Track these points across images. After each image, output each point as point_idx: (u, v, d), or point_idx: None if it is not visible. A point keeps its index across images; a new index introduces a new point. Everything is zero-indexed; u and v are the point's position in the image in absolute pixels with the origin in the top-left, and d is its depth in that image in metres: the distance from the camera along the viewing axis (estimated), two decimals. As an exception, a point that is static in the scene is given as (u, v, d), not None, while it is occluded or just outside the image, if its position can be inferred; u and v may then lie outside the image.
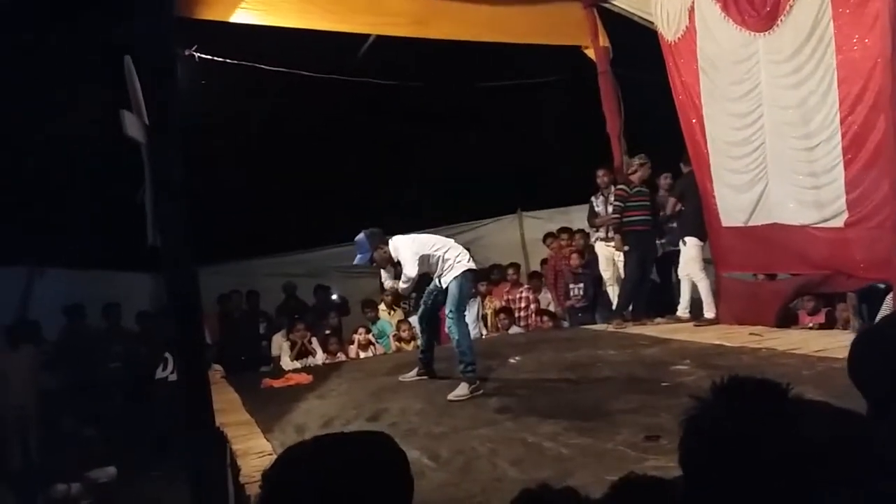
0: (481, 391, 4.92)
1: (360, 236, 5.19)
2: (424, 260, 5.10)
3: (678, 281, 7.11)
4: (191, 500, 2.75)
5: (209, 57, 6.81)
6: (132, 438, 6.15)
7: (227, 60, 7.03)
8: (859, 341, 1.37)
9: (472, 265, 5.24)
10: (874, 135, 4.85)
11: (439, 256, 5.11)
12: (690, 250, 6.72)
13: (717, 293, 6.74)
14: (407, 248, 5.08)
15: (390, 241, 5.16)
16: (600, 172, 7.54)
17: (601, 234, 7.52)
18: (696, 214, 6.73)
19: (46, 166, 7.73)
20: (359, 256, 5.22)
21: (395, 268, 5.18)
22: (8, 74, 6.73)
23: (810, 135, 5.45)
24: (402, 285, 5.16)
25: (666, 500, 1.42)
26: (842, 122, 5.12)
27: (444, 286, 5.13)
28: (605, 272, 7.58)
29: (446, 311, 5.08)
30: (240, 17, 6.78)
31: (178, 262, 2.19)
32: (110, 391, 6.75)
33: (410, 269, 5.05)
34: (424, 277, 5.40)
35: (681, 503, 1.16)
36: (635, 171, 7.22)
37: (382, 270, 5.36)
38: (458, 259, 5.13)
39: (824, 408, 1.09)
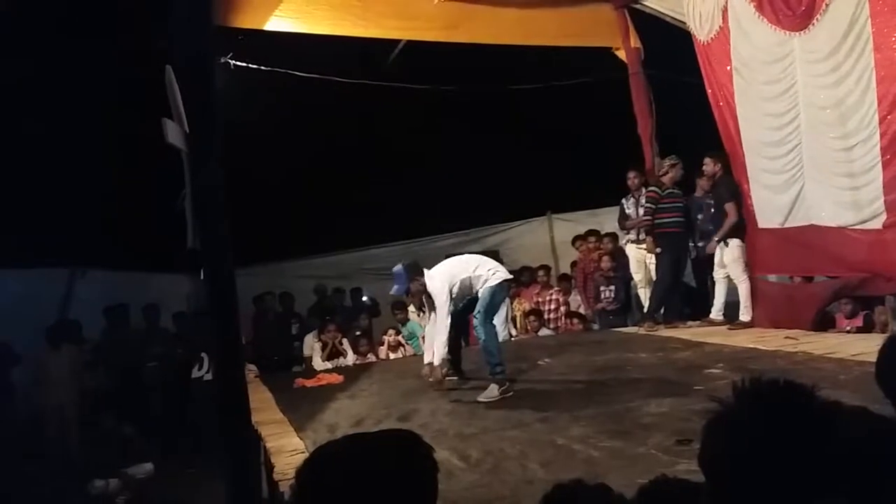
0: (511, 392, 4.92)
1: (398, 268, 5.24)
2: (460, 285, 5.12)
3: (713, 283, 7.01)
4: (226, 496, 2.82)
5: (244, 64, 6.95)
6: (169, 436, 6.30)
7: (262, 67, 7.16)
8: (887, 349, 1.36)
9: (505, 275, 5.29)
10: (913, 135, 4.75)
11: (470, 276, 5.14)
12: (734, 251, 6.62)
13: (752, 296, 6.63)
14: (442, 288, 5.07)
15: (425, 273, 5.17)
16: (631, 174, 7.49)
17: (632, 236, 7.47)
18: (739, 215, 6.65)
19: (87, 170, 7.96)
20: (396, 287, 5.29)
21: (429, 298, 5.20)
22: (49, 81, 6.97)
23: (848, 135, 5.34)
24: (439, 339, 5.12)
25: (695, 502, 1.42)
26: (880, 122, 5.02)
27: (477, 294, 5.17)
28: (636, 274, 7.52)
29: (475, 313, 5.11)
30: (274, 24, 6.91)
31: (217, 266, 2.26)
32: (148, 390, 6.92)
33: (443, 310, 5.03)
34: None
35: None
36: (667, 173, 7.16)
37: (412, 315, 5.35)
38: (492, 271, 5.17)
39: (851, 411, 1.09)
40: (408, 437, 1.29)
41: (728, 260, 6.64)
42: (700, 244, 7.18)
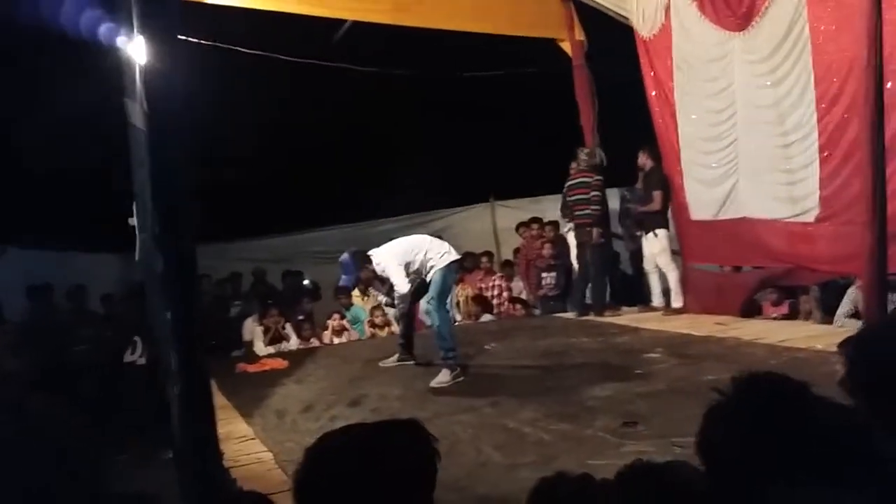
0: (463, 378, 4.98)
1: (345, 257, 5.22)
2: (409, 267, 5.13)
3: (645, 273, 7.28)
4: (182, 484, 2.76)
5: (184, 38, 6.64)
6: (102, 421, 6.02)
7: (203, 42, 6.87)
8: (861, 345, 1.46)
9: (455, 256, 5.29)
10: (849, 133, 5.01)
11: (421, 259, 5.13)
12: (662, 241, 6.90)
13: (683, 284, 6.94)
14: (391, 262, 5.07)
15: (372, 255, 5.15)
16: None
17: (573, 224, 7.63)
18: (664, 205, 6.94)
19: (14, 146, 7.49)
20: (344, 277, 5.26)
21: (382, 283, 5.20)
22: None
23: (786, 133, 5.62)
24: (399, 305, 5.19)
25: (673, 485, 1.49)
26: (818, 122, 5.28)
27: (428, 279, 5.17)
28: (577, 262, 7.70)
29: (427, 299, 5.12)
30: (219, -3, 6.65)
31: (180, 249, 2.18)
32: (78, 374, 6.60)
33: (402, 285, 5.05)
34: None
35: (699, 490, 1.25)
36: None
37: (373, 289, 5.35)
38: (441, 254, 5.16)
39: (833, 404, 1.18)
40: (411, 425, 1.30)
41: (655, 250, 6.91)
42: (637, 233, 7.43)
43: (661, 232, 6.90)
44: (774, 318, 6.15)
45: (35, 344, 6.73)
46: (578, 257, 7.43)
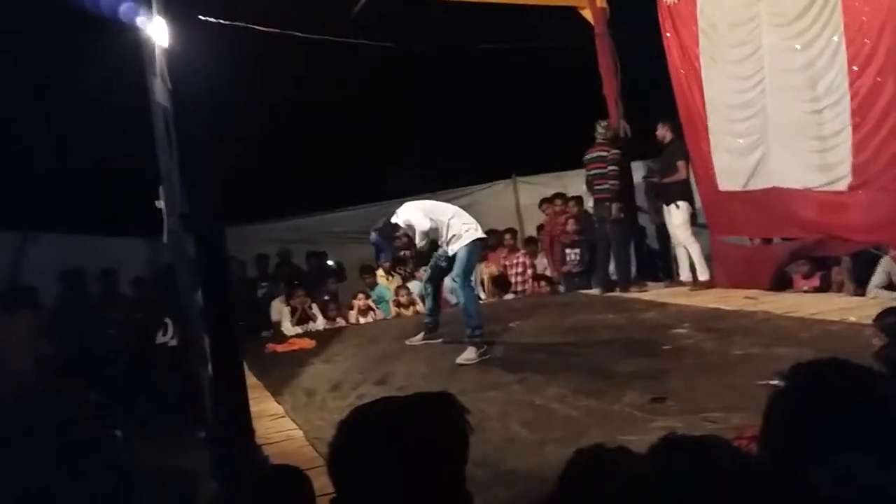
0: (489, 355, 4.98)
1: (374, 237, 5.23)
2: (434, 225, 5.10)
3: (672, 247, 7.18)
4: (215, 462, 2.81)
5: (202, 18, 6.64)
6: (136, 402, 6.17)
7: (221, 21, 6.87)
8: None
9: (481, 234, 5.24)
10: (883, 96, 4.84)
11: (444, 223, 5.10)
12: (683, 214, 6.78)
13: (711, 257, 6.83)
14: (414, 212, 5.10)
15: (394, 217, 5.15)
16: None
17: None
18: (687, 178, 6.82)
19: (41, 132, 7.59)
20: (383, 255, 5.27)
21: (411, 241, 5.19)
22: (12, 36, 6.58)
23: (817, 98, 5.44)
24: (418, 242, 5.18)
25: (708, 459, 1.47)
26: (850, 85, 5.10)
27: (452, 254, 5.14)
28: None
29: (453, 276, 5.10)
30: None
31: (207, 227, 2.19)
32: (112, 356, 6.75)
33: (422, 224, 5.03)
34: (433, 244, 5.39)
35: (734, 464, 1.24)
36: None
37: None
38: (466, 228, 5.11)
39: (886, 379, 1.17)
40: (444, 398, 1.30)
41: (677, 222, 6.79)
42: (664, 205, 7.32)
43: (682, 204, 6.78)
44: (805, 291, 6.03)
45: (67, 328, 6.88)
46: (599, 233, 7.35)
